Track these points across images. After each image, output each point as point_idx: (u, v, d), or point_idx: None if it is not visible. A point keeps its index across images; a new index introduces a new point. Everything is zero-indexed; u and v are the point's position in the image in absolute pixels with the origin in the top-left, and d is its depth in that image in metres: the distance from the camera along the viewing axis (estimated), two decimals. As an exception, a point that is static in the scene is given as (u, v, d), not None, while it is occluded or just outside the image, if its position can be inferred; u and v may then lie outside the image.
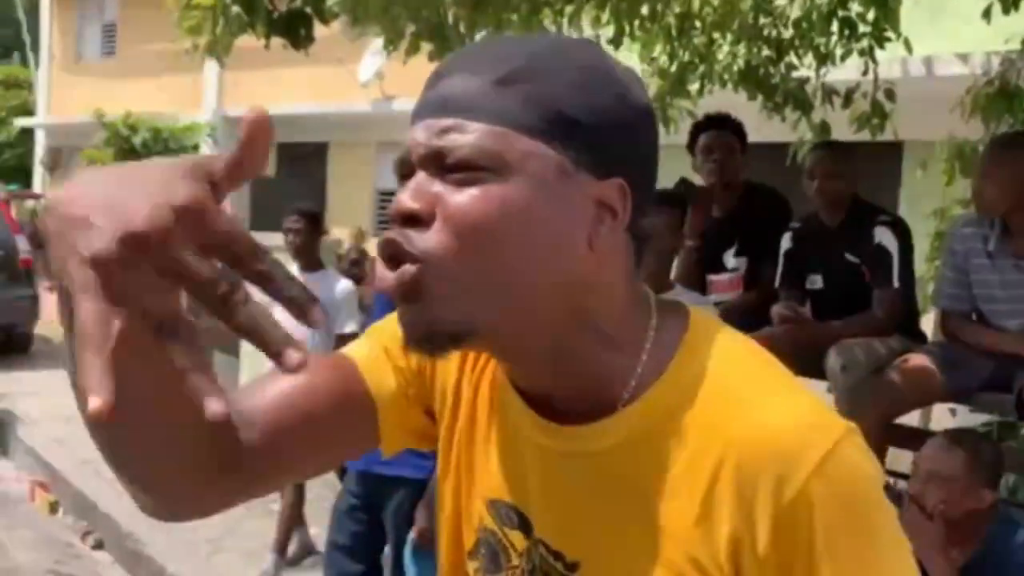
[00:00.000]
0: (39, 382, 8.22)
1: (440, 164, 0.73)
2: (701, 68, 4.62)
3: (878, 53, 4.33)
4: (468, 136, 0.72)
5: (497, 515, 0.87)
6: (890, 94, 4.41)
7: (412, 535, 3.05)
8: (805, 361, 3.21)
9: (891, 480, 3.31)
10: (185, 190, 0.57)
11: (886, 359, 3.12)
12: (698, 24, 4.55)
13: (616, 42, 4.30)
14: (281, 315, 0.60)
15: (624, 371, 0.78)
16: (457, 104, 0.73)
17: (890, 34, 4.25)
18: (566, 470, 0.80)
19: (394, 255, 0.73)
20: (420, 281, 0.72)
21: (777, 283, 3.57)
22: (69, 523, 5.38)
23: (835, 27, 4.32)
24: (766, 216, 3.75)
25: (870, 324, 3.26)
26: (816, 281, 3.48)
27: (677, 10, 4.45)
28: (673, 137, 4.67)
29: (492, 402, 0.88)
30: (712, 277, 3.80)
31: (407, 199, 0.73)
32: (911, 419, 3.57)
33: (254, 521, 4.16)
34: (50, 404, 7.40)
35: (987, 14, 4.06)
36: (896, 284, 3.26)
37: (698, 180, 3.89)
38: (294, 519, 4.40)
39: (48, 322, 9.96)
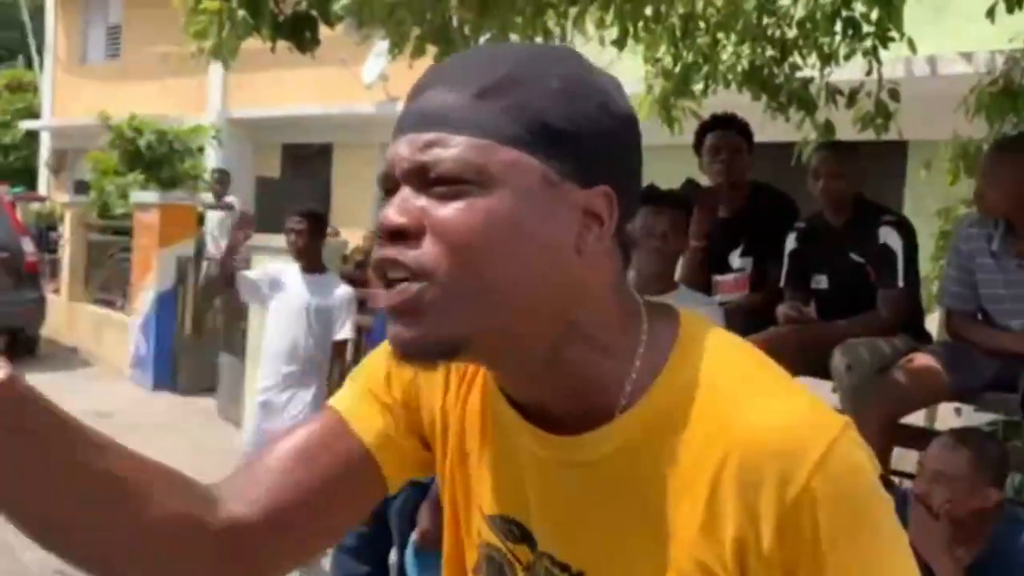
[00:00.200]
0: (45, 384, 8.14)
1: (424, 178, 0.73)
2: (705, 68, 4.62)
3: (882, 53, 4.33)
4: (451, 150, 0.72)
5: (499, 530, 0.86)
6: (894, 94, 4.41)
7: (414, 536, 3.06)
8: (810, 361, 3.22)
9: (896, 480, 3.31)
10: None
11: (891, 359, 3.12)
12: (702, 25, 4.55)
13: (620, 43, 4.31)
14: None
15: (618, 377, 0.78)
16: (439, 117, 0.74)
17: (894, 34, 4.25)
18: (565, 480, 0.80)
19: (392, 273, 0.73)
20: (419, 298, 0.72)
21: (782, 283, 3.58)
22: (76, 525, 5.40)
23: (839, 27, 4.32)
24: (772, 216, 3.75)
25: (875, 324, 3.26)
26: (821, 281, 3.49)
27: (681, 11, 4.46)
28: (678, 137, 4.68)
29: (484, 417, 0.87)
30: (717, 277, 3.80)
31: (394, 215, 0.73)
32: (916, 419, 3.58)
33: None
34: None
35: (991, 13, 4.06)
36: (901, 284, 3.26)
37: (704, 180, 3.90)
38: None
39: (54, 325, 9.99)
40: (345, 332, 4.24)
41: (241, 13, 3.25)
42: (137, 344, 8.62)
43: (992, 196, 2.98)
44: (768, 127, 4.48)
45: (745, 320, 3.48)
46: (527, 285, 0.73)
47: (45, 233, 12.77)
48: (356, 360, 5.44)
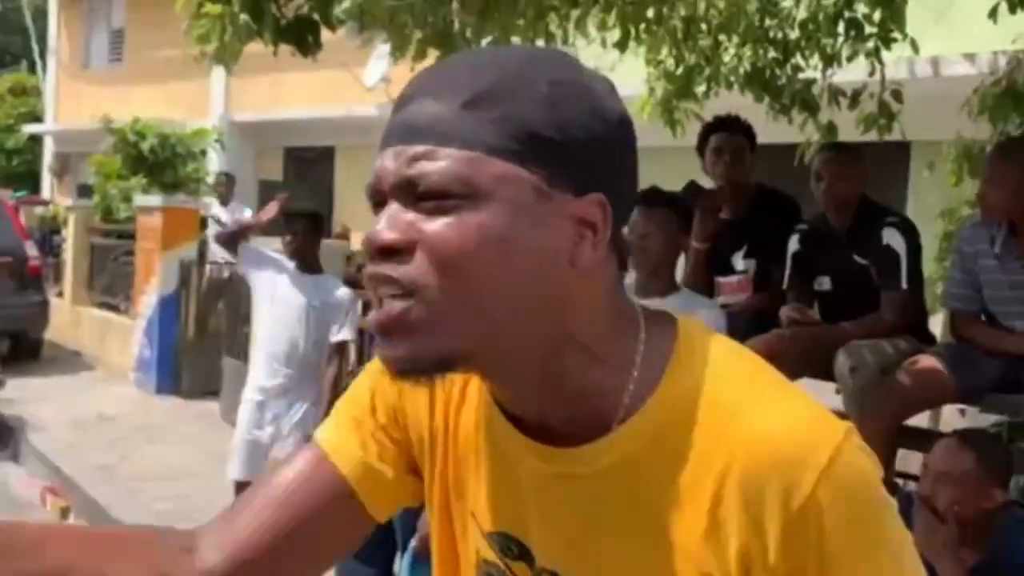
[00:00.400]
0: (49, 388, 8.26)
1: (412, 192, 0.72)
2: (707, 70, 4.62)
3: (884, 54, 4.33)
4: (438, 164, 0.71)
5: (497, 546, 0.85)
6: (897, 95, 4.41)
7: (413, 543, 3.06)
8: (814, 363, 3.21)
9: (901, 482, 3.31)
10: None
11: (895, 360, 3.12)
12: (704, 26, 4.55)
13: (622, 45, 4.31)
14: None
15: (616, 388, 0.77)
16: (426, 130, 0.72)
17: (896, 35, 4.24)
18: (564, 493, 0.79)
19: (384, 289, 0.72)
20: (405, 316, 0.71)
21: (785, 285, 3.57)
22: (80, 528, 5.40)
23: (841, 28, 4.31)
24: (775, 218, 3.75)
25: (879, 325, 3.25)
26: (824, 283, 3.48)
27: (683, 13, 4.45)
28: (680, 139, 4.67)
29: (477, 432, 0.86)
30: (720, 279, 3.79)
31: (384, 232, 0.72)
32: (920, 420, 3.57)
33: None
34: (61, 410, 7.43)
35: (993, 14, 4.05)
36: (904, 285, 3.26)
37: (707, 182, 3.89)
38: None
39: (57, 328, 10.01)
40: (345, 333, 4.19)
41: (243, 17, 3.25)
42: (140, 347, 8.62)
43: (994, 197, 2.98)
44: (770, 129, 4.48)
45: (748, 322, 3.48)
46: (520, 298, 0.72)
47: (48, 237, 12.79)
48: (360, 362, 5.44)
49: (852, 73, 4.47)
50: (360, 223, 11.60)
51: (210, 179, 11.28)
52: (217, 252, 8.94)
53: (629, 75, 5.30)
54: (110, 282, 10.02)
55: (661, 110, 4.74)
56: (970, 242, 3.09)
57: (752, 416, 0.73)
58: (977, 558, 2.31)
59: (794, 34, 4.50)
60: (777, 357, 3.28)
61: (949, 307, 3.28)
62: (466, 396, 0.87)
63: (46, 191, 18.84)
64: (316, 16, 3.48)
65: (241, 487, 4.22)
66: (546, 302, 0.73)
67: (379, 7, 3.34)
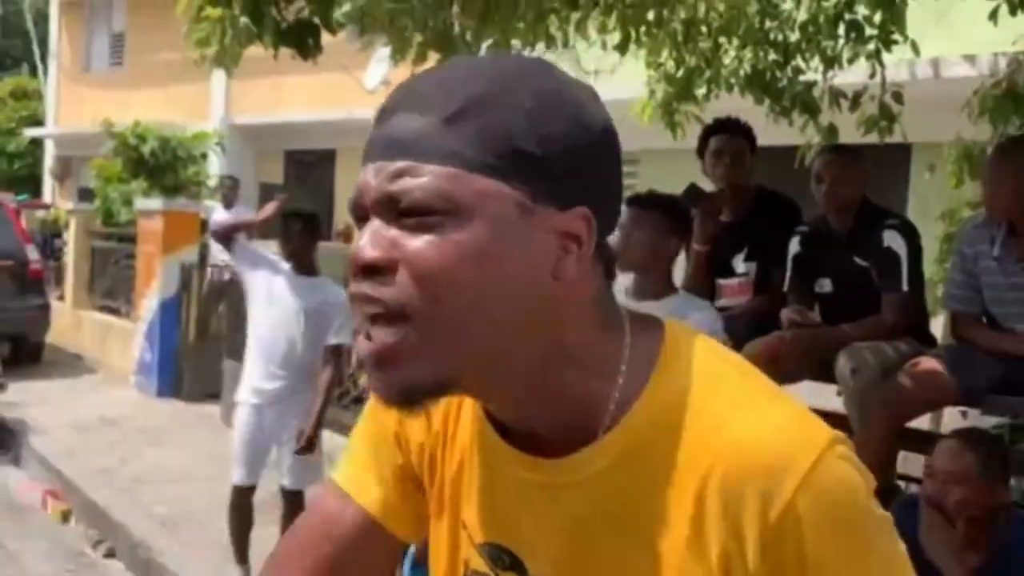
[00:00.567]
0: (51, 391, 8.26)
1: (393, 209, 0.71)
2: (707, 73, 4.62)
3: (885, 56, 4.33)
4: (420, 180, 0.70)
5: (488, 557, 0.85)
6: (898, 96, 4.41)
7: (412, 548, 3.06)
8: (815, 365, 3.22)
9: (903, 484, 3.31)
10: None
11: (896, 362, 3.12)
12: (704, 29, 4.55)
13: (622, 48, 4.31)
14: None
15: (602, 396, 0.76)
16: (407, 145, 0.71)
17: (897, 36, 4.25)
18: (554, 502, 0.79)
19: (368, 308, 0.72)
20: (399, 347, 0.71)
21: (785, 287, 3.57)
22: (81, 532, 5.38)
23: (841, 30, 4.32)
24: (776, 221, 3.75)
25: (879, 327, 3.25)
26: (825, 285, 3.48)
27: (683, 15, 4.45)
28: (681, 142, 4.67)
29: (471, 443, 0.86)
30: (721, 282, 3.79)
31: (366, 250, 0.71)
32: (922, 422, 3.57)
33: (267, 528, 4.17)
34: (62, 413, 7.44)
35: (994, 15, 4.06)
36: (905, 287, 3.26)
37: (707, 185, 3.89)
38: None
39: (58, 331, 10.01)
40: (342, 336, 4.15)
41: (243, 20, 3.25)
42: (141, 350, 8.63)
43: (994, 198, 2.98)
44: (771, 131, 4.48)
45: (749, 325, 3.48)
46: (505, 314, 0.72)
47: (50, 240, 12.81)
48: (360, 366, 5.43)
49: (853, 75, 4.47)
50: (361, 226, 11.59)
51: (211, 182, 11.28)
52: (218, 255, 8.96)
53: (629, 77, 5.31)
54: (111, 285, 10.03)
55: (661, 112, 4.74)
56: (970, 243, 3.09)
57: (735, 422, 0.73)
58: (981, 560, 2.31)
59: (794, 36, 4.50)
60: (778, 359, 3.29)
61: (949, 309, 3.28)
62: (462, 406, 0.87)
63: (47, 195, 18.85)
64: (316, 19, 3.47)
65: (241, 491, 4.22)
66: (531, 316, 0.73)
67: (379, 10, 3.34)
